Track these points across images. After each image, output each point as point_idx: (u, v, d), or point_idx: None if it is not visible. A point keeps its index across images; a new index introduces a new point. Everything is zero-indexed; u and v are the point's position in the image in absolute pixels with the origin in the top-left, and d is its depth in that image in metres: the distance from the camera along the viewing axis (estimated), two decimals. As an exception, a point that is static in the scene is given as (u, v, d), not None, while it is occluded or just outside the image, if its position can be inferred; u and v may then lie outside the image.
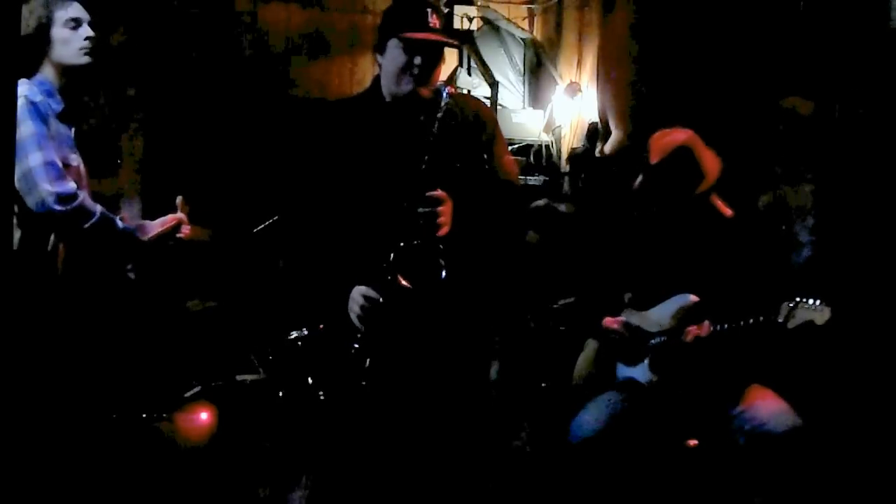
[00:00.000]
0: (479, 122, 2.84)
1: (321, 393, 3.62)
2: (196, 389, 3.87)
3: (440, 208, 2.63)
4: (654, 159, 3.05)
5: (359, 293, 2.68)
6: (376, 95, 2.83)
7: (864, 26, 3.56)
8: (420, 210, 2.62)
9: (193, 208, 3.08)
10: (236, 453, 3.65)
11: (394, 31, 2.73)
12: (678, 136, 3.05)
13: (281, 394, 3.82)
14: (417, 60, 2.71)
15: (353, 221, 2.76)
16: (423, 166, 2.64)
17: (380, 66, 2.81)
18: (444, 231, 2.63)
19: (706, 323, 2.89)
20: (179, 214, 3.03)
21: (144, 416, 3.53)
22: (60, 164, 2.78)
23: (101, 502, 3.01)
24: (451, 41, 2.80)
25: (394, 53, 2.73)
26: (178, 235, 3.01)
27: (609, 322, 3.11)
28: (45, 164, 2.73)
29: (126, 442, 3.32)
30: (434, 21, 2.74)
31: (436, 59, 2.75)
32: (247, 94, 5.66)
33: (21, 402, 2.50)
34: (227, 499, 3.47)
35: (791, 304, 2.72)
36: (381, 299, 2.65)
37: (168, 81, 5.36)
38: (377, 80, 2.83)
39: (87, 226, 2.78)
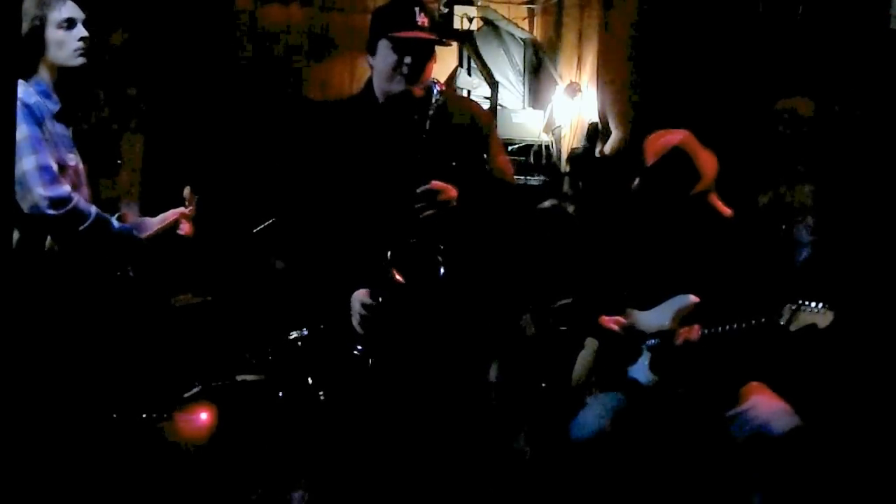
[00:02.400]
0: (473, 121, 2.85)
1: (321, 393, 3.62)
2: (196, 389, 3.87)
3: (440, 195, 2.63)
4: (648, 161, 3.05)
5: (357, 300, 2.69)
6: (370, 96, 2.84)
7: (864, 27, 3.56)
8: (415, 208, 2.63)
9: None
10: (236, 453, 3.65)
11: (383, 30, 2.75)
12: (673, 137, 3.05)
13: (281, 394, 3.82)
14: (407, 59, 2.72)
15: (349, 222, 2.76)
16: (416, 165, 2.65)
17: (371, 66, 2.82)
18: (451, 196, 2.64)
19: (696, 326, 2.90)
20: (180, 209, 3.02)
21: (144, 416, 3.52)
22: (55, 167, 2.76)
23: (102, 502, 3.00)
24: (438, 39, 2.80)
25: (384, 53, 2.75)
26: (178, 232, 3.01)
27: (606, 321, 3.11)
28: (38, 168, 2.71)
29: (126, 442, 3.31)
30: (422, 20, 2.75)
31: (426, 57, 2.76)
32: (246, 95, 5.65)
33: (21, 403, 2.50)
34: (227, 499, 3.47)
35: (793, 307, 2.72)
36: (379, 300, 2.65)
37: (168, 81, 5.36)
38: (370, 80, 2.85)
39: (81, 228, 2.77)
